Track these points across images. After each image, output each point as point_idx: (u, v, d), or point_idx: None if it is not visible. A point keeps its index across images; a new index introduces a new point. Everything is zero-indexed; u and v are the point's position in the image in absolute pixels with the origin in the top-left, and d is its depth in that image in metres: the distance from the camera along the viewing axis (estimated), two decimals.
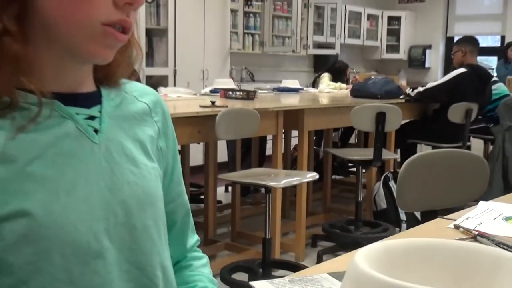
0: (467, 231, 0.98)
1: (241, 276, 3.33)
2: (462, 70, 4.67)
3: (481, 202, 1.19)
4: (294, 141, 4.75)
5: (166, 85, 5.61)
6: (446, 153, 1.85)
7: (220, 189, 4.92)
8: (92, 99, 0.82)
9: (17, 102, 0.72)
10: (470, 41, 5.01)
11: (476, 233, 0.95)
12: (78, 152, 0.76)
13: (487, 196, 2.02)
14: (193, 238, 1.01)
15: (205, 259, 1.01)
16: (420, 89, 4.77)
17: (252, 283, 0.75)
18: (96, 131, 0.79)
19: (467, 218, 1.06)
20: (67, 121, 0.76)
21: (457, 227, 1.01)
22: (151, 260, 0.82)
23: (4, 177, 0.69)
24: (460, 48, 4.89)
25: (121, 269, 0.78)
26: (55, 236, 0.70)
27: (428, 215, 1.82)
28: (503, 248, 0.87)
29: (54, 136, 0.74)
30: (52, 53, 0.75)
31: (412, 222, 4.29)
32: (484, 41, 9.12)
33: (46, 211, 0.70)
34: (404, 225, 4.27)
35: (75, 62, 0.78)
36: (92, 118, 0.80)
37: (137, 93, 0.90)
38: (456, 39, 5.31)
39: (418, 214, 4.10)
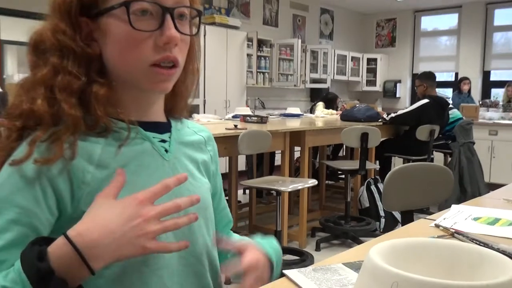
0: (445, 229, 0.95)
1: None
2: (425, 101, 4.63)
3: (453, 206, 1.16)
4: (296, 154, 4.74)
5: (198, 112, 5.63)
6: (420, 165, 1.82)
7: (240, 192, 4.90)
8: (164, 128, 0.84)
9: (110, 127, 0.75)
10: (429, 76, 4.93)
11: (453, 231, 0.93)
12: (152, 165, 0.78)
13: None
14: (234, 236, 1.02)
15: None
16: (393, 115, 4.75)
17: (285, 271, 0.74)
18: (166, 151, 0.81)
19: (444, 219, 1.03)
20: (146, 142, 0.79)
21: (437, 226, 0.98)
22: (202, 250, 0.83)
23: (100, 178, 0.72)
24: (422, 83, 4.84)
25: (180, 255, 0.78)
26: None
27: (406, 214, 1.80)
28: (476, 243, 0.85)
29: (136, 152, 0.77)
30: (128, 92, 0.79)
31: (389, 217, 4.26)
32: (442, 77, 9.09)
33: None
34: (383, 220, 4.23)
35: (146, 96, 0.80)
36: (163, 141, 0.82)
37: (196, 129, 0.93)
38: (431, 72, 5.18)
39: (394, 212, 4.08)
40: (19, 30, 5.51)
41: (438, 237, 0.89)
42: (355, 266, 0.74)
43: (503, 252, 0.78)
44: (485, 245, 0.83)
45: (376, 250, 0.56)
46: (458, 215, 1.06)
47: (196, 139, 0.90)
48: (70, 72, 0.72)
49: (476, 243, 0.84)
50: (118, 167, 0.73)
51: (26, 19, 4.97)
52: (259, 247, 0.86)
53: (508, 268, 0.52)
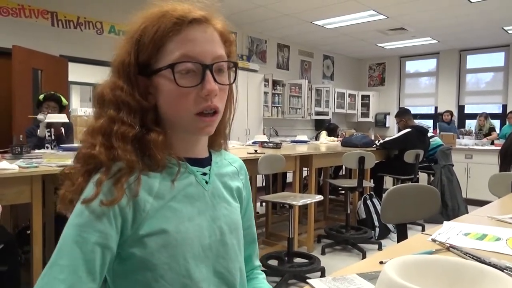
0: (441, 243, 0.90)
1: (273, 262, 3.24)
2: (408, 130, 4.58)
3: (445, 222, 1.10)
4: (304, 173, 4.68)
5: None
6: (412, 186, 1.77)
7: (258, 204, 4.85)
8: (205, 162, 0.82)
9: (165, 164, 0.73)
10: (405, 112, 4.89)
11: (448, 245, 0.87)
12: (196, 195, 0.76)
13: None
14: (258, 262, 0.96)
15: (264, 275, 0.95)
16: (381, 141, 4.69)
17: (309, 281, 0.70)
18: (206, 182, 0.79)
19: (439, 234, 0.97)
20: (191, 175, 0.77)
21: (434, 240, 0.92)
22: (234, 265, 0.79)
23: (157, 207, 0.70)
24: (401, 118, 4.79)
25: (216, 270, 0.76)
26: (180, 246, 0.69)
27: (400, 226, 1.75)
28: (470, 257, 0.80)
29: (183, 184, 0.75)
30: (178, 135, 0.76)
31: (382, 227, 4.16)
32: (423, 110, 9.00)
33: (176, 230, 0.70)
34: (377, 229, 4.13)
35: (192, 138, 0.78)
36: (204, 174, 0.80)
37: (231, 160, 0.90)
38: (405, 108, 5.15)
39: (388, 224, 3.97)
40: (82, 73, 5.63)
41: (436, 250, 0.85)
42: (368, 277, 0.70)
43: (495, 266, 0.74)
44: (478, 259, 0.78)
45: (390, 266, 0.53)
46: (450, 231, 1.01)
47: (230, 170, 0.88)
48: (124, 122, 0.70)
49: (470, 257, 0.80)
50: (170, 197, 0.72)
51: (87, 65, 5.09)
52: None
53: (508, 285, 0.48)
